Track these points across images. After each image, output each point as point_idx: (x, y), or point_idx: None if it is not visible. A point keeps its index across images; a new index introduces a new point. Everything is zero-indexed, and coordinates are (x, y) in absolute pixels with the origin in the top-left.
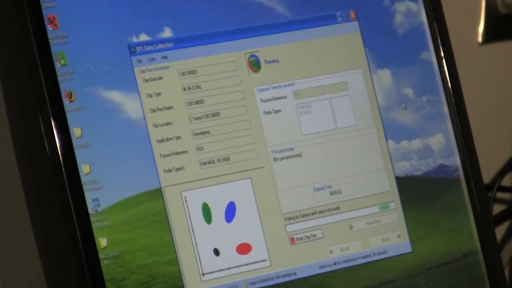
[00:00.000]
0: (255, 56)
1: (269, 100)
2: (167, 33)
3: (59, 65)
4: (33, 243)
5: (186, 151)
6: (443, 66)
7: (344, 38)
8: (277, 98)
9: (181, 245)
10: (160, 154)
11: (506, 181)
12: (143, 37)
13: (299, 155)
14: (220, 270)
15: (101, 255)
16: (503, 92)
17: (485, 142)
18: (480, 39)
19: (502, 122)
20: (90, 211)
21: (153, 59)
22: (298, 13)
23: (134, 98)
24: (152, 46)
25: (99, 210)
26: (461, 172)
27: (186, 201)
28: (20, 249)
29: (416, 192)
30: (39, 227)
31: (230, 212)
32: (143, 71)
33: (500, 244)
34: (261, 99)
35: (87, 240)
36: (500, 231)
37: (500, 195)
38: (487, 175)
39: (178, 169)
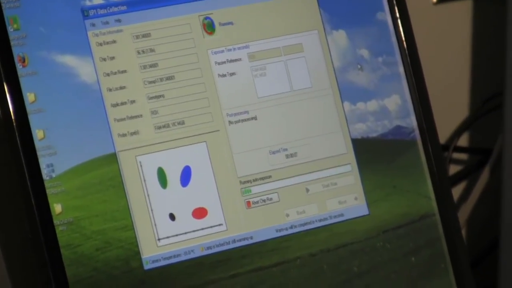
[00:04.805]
0: (210, 18)
1: (223, 62)
2: None
3: (12, 30)
4: None
5: (141, 115)
6: (399, 27)
7: (298, 0)
8: (232, 61)
9: (137, 210)
10: (114, 118)
11: (462, 141)
12: (96, 0)
13: (255, 118)
14: (176, 235)
15: (56, 221)
16: (457, 51)
17: (440, 102)
18: None
19: (457, 82)
20: (44, 177)
21: (107, 23)
22: None
23: (87, 62)
24: (105, 10)
25: (54, 176)
26: (417, 133)
27: (141, 166)
28: None
29: (372, 154)
30: None
31: (186, 176)
32: (97, 35)
33: (457, 205)
34: (215, 62)
35: (42, 206)
36: (456, 192)
37: (456, 155)
38: (443, 135)
39: (132, 134)
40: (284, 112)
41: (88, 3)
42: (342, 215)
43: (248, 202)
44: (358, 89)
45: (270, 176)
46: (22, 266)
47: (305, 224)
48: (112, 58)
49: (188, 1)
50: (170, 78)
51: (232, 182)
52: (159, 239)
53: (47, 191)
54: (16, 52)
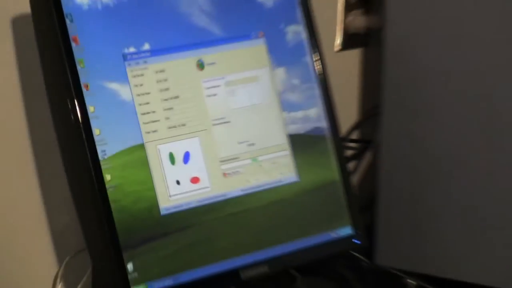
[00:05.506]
0: (201, 60)
1: (209, 88)
2: (146, 46)
3: (80, 67)
4: (64, 178)
5: (159, 120)
6: (317, 65)
7: (256, 48)
8: (214, 87)
9: (156, 178)
10: (143, 122)
11: (354, 135)
12: (132, 49)
13: (229, 122)
14: (181, 193)
15: (107, 185)
16: (350, 80)
17: (342, 111)
18: (337, 48)
19: (352, 98)
20: (100, 158)
21: (138, 63)
22: (227, 33)
23: (126, 87)
24: (137, 55)
25: (106, 157)
26: (328, 131)
27: (159, 151)
28: (55, 182)
29: (301, 143)
30: (68, 169)
31: (186, 157)
32: (132, 70)
33: (352, 174)
34: (205, 87)
35: (99, 176)
36: (351, 167)
37: (351, 144)
38: (343, 131)
39: (154, 131)
40: (246, 118)
41: (126, 51)
42: (281, 181)
43: (225, 173)
44: (292, 104)
45: (238, 158)
46: (87, 213)
47: (259, 186)
48: (141, 85)
49: (188, 49)
50: (176, 97)
51: (215, 161)
52: (170, 196)
53: (102, 167)
54: (82, 80)
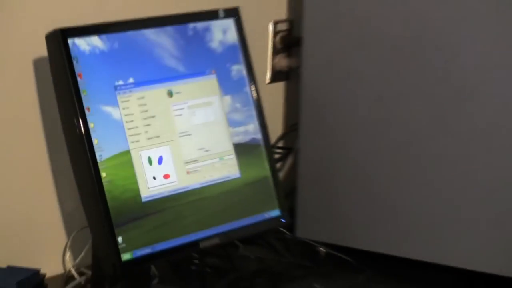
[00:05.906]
0: (171, 90)
1: (177, 110)
2: (131, 80)
3: (83, 95)
4: (72, 174)
5: (140, 133)
6: (254, 94)
7: (210, 82)
8: (180, 109)
9: (139, 175)
10: (129, 134)
11: (280, 144)
12: (120, 82)
13: (191, 134)
14: (156, 186)
15: (103, 180)
16: (278, 104)
17: (271, 127)
18: (268, 81)
19: (277, 119)
20: (98, 160)
21: (125, 92)
22: (189, 70)
23: (117, 110)
24: (125, 86)
25: (102, 160)
26: (261, 141)
27: (141, 155)
28: (65, 177)
29: (242, 150)
30: (75, 167)
31: (160, 160)
32: (121, 97)
33: (278, 171)
34: (173, 109)
35: (97, 173)
36: (278, 166)
37: (278, 150)
38: (272, 140)
39: (137, 141)
40: (204, 131)
41: (116, 83)
42: (228, 177)
43: (188, 171)
44: (236, 121)
45: (198, 160)
46: (88, 202)
47: (212, 181)
48: (128, 108)
49: (161, 82)
50: (153, 116)
51: (181, 162)
52: (148, 188)
53: (99, 167)
54: (85, 105)
